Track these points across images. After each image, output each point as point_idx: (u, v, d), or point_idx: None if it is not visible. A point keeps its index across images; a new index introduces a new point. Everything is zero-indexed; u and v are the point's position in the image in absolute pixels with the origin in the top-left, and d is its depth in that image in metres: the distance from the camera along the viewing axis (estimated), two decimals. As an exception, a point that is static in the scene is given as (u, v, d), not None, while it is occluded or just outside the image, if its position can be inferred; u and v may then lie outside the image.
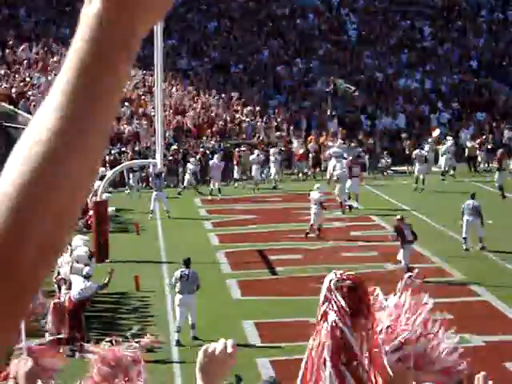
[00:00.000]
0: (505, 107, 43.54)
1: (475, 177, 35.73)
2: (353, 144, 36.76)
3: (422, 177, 33.41)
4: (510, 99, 44.05)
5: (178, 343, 17.10)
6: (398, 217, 22.04)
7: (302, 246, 24.57)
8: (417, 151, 34.76)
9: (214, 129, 38.99)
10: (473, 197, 24.42)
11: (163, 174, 30.98)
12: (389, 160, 37.68)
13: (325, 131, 39.57)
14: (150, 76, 39.62)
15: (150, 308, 19.43)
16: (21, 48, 42.51)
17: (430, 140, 37.66)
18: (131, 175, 34.27)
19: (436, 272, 21.49)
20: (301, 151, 36.96)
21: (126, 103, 39.68)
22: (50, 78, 40.29)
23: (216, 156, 34.04)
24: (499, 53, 47.58)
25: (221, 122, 39.55)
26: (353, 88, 42.26)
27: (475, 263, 22.58)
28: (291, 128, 39.89)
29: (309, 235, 25.42)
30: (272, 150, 35.57)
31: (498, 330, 17.17)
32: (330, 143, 37.10)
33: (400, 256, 21.22)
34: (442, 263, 22.67)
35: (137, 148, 36.33)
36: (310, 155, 37.35)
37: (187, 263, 17.89)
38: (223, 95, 42.00)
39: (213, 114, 40.21)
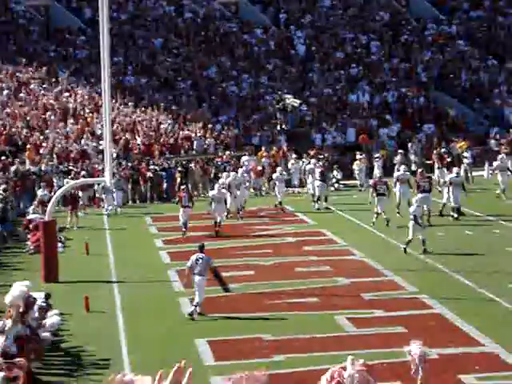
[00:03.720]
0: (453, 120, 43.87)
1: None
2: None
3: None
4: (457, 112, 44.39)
5: (191, 315, 19.24)
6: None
7: (256, 263, 24.37)
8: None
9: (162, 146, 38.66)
10: None
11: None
12: (339, 174, 37.72)
13: (274, 147, 39.51)
14: (97, 94, 39.27)
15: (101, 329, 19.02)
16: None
17: (377, 155, 37.84)
18: (80, 194, 33.42)
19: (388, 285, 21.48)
20: (259, 168, 36.54)
21: (72, 121, 39.21)
22: None
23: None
24: (447, 66, 47.94)
25: (171, 139, 39.26)
26: (298, 102, 42.22)
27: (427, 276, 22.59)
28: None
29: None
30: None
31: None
32: (303, 159, 36.76)
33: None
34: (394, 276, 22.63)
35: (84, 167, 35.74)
36: (266, 171, 37.03)
37: (201, 248, 20.00)
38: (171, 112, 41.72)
39: (162, 131, 39.87)
